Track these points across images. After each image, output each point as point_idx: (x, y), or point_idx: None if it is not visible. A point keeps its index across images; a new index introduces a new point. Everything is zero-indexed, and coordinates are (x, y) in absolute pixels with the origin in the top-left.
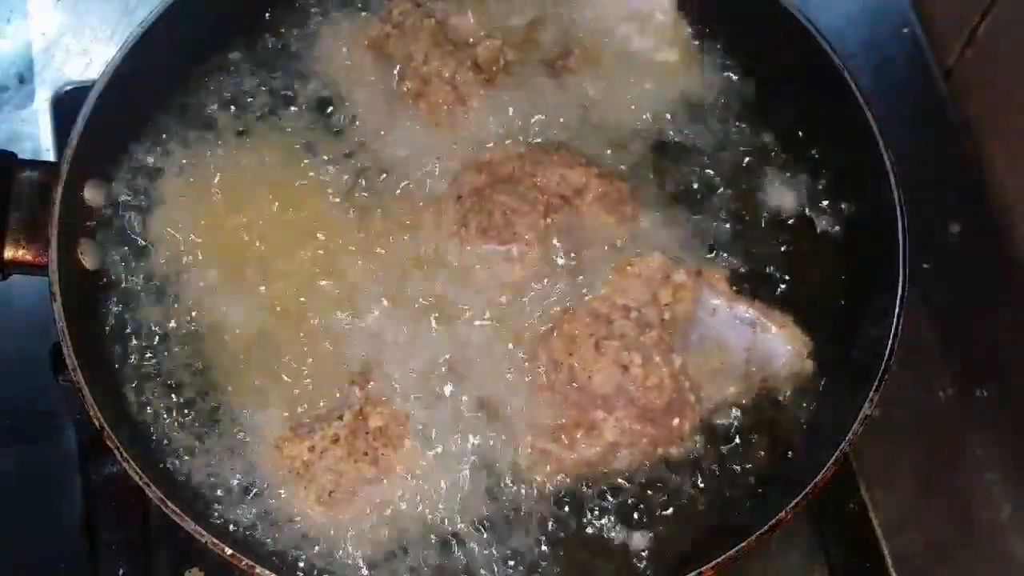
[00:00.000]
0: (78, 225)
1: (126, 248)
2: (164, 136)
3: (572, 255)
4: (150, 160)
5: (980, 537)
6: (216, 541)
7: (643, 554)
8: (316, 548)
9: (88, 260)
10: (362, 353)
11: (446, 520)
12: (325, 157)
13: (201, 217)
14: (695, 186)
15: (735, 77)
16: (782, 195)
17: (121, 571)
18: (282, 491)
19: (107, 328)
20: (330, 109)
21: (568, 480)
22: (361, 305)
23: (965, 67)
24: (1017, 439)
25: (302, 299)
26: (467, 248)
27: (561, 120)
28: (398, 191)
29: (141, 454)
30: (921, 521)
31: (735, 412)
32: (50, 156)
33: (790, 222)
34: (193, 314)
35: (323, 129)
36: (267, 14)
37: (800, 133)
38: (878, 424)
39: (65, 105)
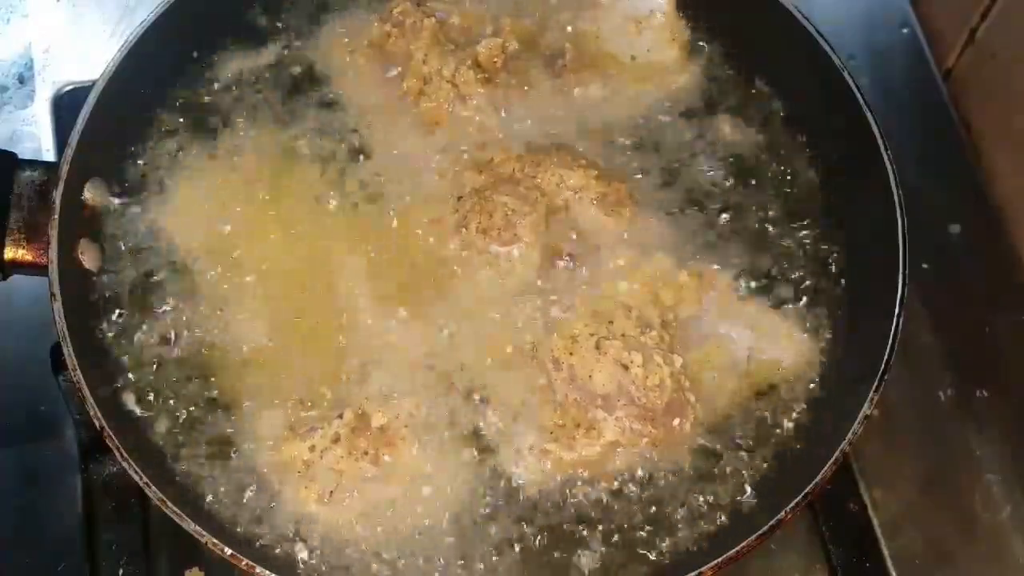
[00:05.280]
0: (78, 225)
1: (126, 248)
2: (164, 136)
3: (573, 255)
4: (150, 160)
5: (980, 537)
6: (216, 541)
7: (643, 554)
8: (316, 547)
9: (88, 260)
10: (362, 352)
11: (446, 519)
12: (325, 157)
13: (201, 217)
14: (695, 187)
15: (734, 77)
16: (781, 195)
17: (121, 571)
18: (282, 490)
19: (107, 328)
20: (330, 109)
21: (567, 480)
22: (361, 304)
23: (965, 67)
24: (1017, 439)
25: (302, 299)
26: (468, 248)
27: (561, 120)
28: (398, 191)
29: (141, 454)
30: (921, 521)
31: (735, 412)
32: (50, 156)
33: (789, 222)
34: (193, 314)
35: (323, 129)
36: (266, 14)
37: (800, 134)
38: (878, 424)
39: (65, 105)
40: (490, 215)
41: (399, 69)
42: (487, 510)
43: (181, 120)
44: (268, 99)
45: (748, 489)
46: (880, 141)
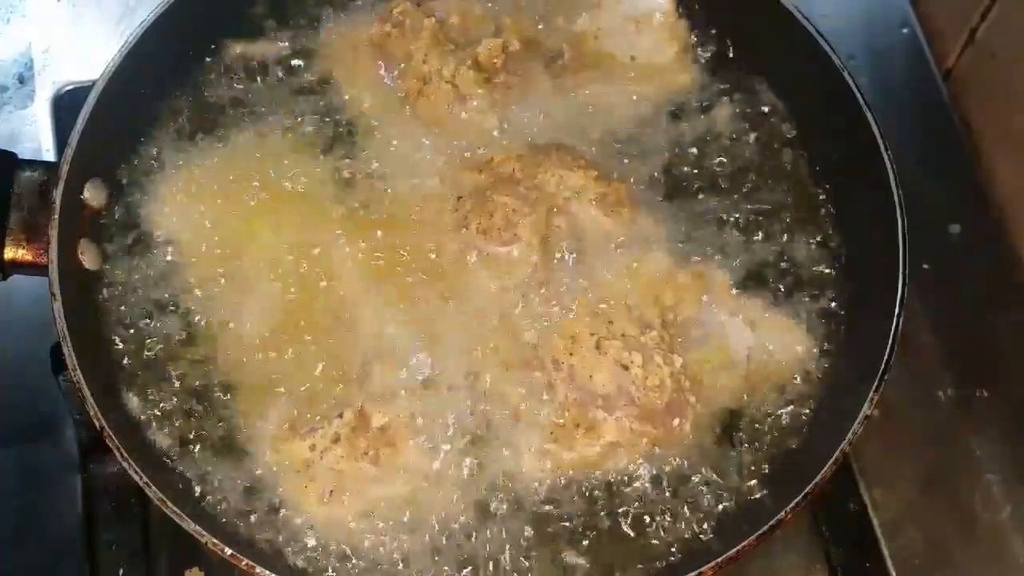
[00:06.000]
0: (78, 225)
1: (126, 248)
2: (164, 135)
3: (573, 256)
4: (150, 160)
5: (980, 537)
6: (216, 541)
7: (642, 554)
8: (317, 548)
9: (88, 260)
10: (362, 352)
11: (446, 519)
12: (325, 156)
13: (201, 217)
14: (694, 187)
15: (734, 78)
16: (781, 195)
17: (121, 571)
18: (282, 490)
19: (107, 328)
20: (330, 109)
21: (567, 480)
22: (361, 304)
23: (965, 67)
24: (1017, 439)
25: (302, 298)
26: (468, 248)
27: (561, 120)
28: (398, 191)
29: (141, 454)
30: (921, 521)
31: (735, 412)
32: (50, 156)
33: (789, 222)
34: (193, 314)
35: (323, 128)
36: (267, 14)
37: (800, 134)
38: (878, 424)
39: (65, 105)
40: (490, 215)
41: (399, 69)
42: (487, 510)
43: (181, 120)
44: (268, 99)
45: (748, 489)
46: (880, 141)
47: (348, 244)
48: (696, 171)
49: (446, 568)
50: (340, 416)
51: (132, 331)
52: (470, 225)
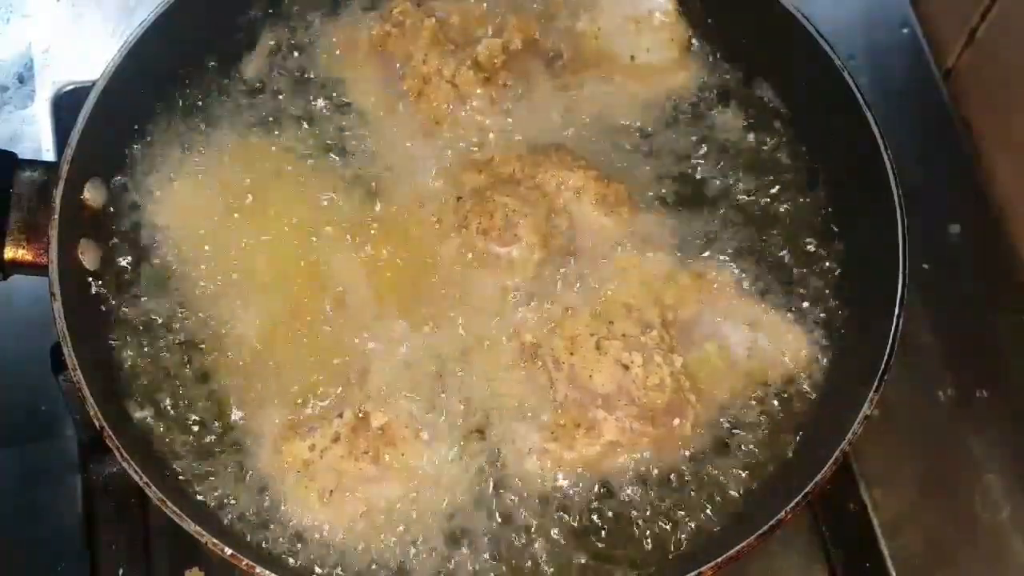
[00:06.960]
0: (78, 225)
1: (126, 247)
2: (164, 136)
3: (573, 256)
4: (150, 159)
5: (980, 537)
6: (216, 541)
7: (642, 554)
8: (317, 548)
9: (88, 260)
10: (362, 352)
11: (446, 519)
12: (325, 157)
13: (201, 217)
14: (694, 187)
15: (734, 78)
16: (781, 195)
17: (121, 571)
18: (282, 490)
19: (107, 328)
20: (330, 109)
21: (567, 479)
22: (361, 304)
23: (965, 67)
24: (1017, 439)
25: (302, 298)
26: (468, 249)
27: (561, 120)
28: (398, 191)
29: (141, 454)
30: (921, 521)
31: (735, 412)
32: (50, 156)
33: (790, 222)
34: (193, 314)
35: (323, 129)
36: (267, 14)
37: (800, 134)
38: (878, 424)
39: (65, 105)
40: (490, 215)
41: (399, 69)
42: (487, 510)
43: (181, 120)
44: (267, 99)
45: (748, 489)
46: (880, 141)
47: (348, 244)
48: (696, 171)
49: (446, 567)
50: (340, 416)
51: (132, 331)
52: (470, 225)
